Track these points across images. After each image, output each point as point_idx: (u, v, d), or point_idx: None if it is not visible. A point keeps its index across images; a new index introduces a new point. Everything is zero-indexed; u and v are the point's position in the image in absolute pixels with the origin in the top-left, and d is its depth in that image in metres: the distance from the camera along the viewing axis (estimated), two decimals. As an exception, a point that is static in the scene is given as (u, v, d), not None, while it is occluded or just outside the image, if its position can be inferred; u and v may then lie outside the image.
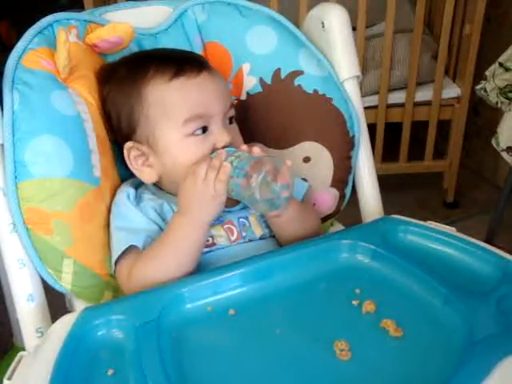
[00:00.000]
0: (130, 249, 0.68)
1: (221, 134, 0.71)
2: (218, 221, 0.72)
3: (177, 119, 0.70)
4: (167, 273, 0.65)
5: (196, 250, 0.67)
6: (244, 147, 0.70)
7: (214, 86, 0.73)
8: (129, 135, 0.74)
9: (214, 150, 0.70)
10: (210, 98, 0.71)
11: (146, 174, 0.74)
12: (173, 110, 0.70)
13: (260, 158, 0.65)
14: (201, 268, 0.68)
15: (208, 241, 0.71)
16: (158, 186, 0.76)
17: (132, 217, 0.70)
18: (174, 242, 0.66)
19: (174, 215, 0.69)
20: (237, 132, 0.76)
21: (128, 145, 0.74)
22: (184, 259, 0.66)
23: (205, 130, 0.71)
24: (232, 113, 0.75)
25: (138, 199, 0.74)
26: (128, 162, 0.74)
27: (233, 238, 0.73)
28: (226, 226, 0.73)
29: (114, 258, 0.68)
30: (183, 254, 0.66)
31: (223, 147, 0.70)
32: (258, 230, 0.75)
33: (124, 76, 0.74)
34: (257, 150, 0.69)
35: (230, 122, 0.75)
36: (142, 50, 0.83)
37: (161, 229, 0.70)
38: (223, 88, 0.75)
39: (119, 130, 0.75)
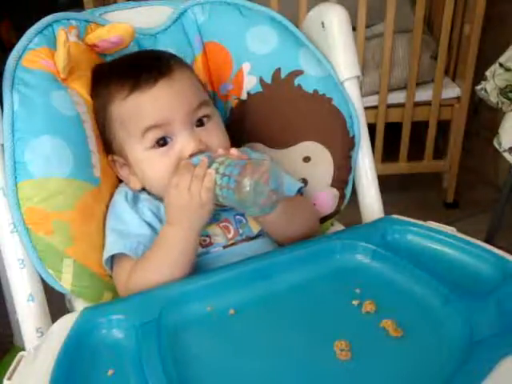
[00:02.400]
0: (123, 255, 0.68)
1: (185, 142, 0.70)
2: (214, 219, 0.72)
3: (135, 134, 0.70)
4: (163, 283, 0.64)
5: (189, 256, 0.66)
6: (221, 151, 0.68)
7: (172, 93, 0.70)
8: (109, 147, 0.75)
9: (180, 159, 0.69)
10: (166, 106, 0.70)
11: (132, 183, 0.75)
12: (130, 126, 0.71)
13: (246, 162, 0.63)
14: (198, 269, 0.68)
15: (205, 241, 0.71)
16: None
17: (127, 219, 0.70)
18: (167, 253, 0.66)
19: (163, 226, 0.69)
20: (214, 131, 0.74)
21: (109, 158, 0.76)
22: (178, 268, 0.65)
23: (167, 140, 0.70)
24: (203, 112, 0.73)
25: (136, 199, 0.74)
26: (116, 171, 0.76)
27: (230, 236, 0.72)
28: (222, 224, 0.73)
29: (103, 258, 0.69)
30: (176, 262, 0.66)
31: (191, 155, 0.69)
32: (256, 226, 0.74)
33: (98, 93, 0.75)
34: (234, 152, 0.68)
35: (202, 124, 0.73)
36: (142, 50, 0.83)
37: (156, 232, 0.70)
38: (186, 90, 0.72)
39: (102, 140, 0.76)
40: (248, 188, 0.59)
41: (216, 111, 0.77)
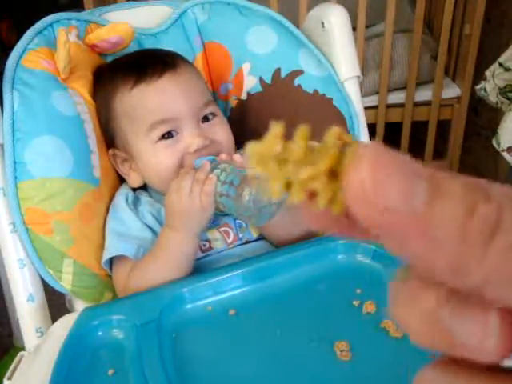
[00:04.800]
0: (122, 257, 0.68)
1: (191, 138, 0.70)
2: (214, 223, 0.71)
3: (141, 128, 0.70)
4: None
5: (188, 259, 0.66)
6: (223, 156, 0.68)
7: (178, 87, 0.71)
8: (111, 142, 0.75)
9: (186, 154, 0.70)
10: (173, 100, 0.70)
11: (132, 178, 0.75)
12: (136, 119, 0.71)
13: (247, 172, 0.62)
14: (198, 272, 0.68)
15: (204, 245, 0.71)
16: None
17: (128, 222, 0.70)
18: (166, 256, 0.66)
19: (162, 228, 0.69)
20: (219, 127, 0.74)
21: (110, 152, 0.75)
22: (177, 270, 0.65)
23: (172, 134, 0.70)
24: (210, 110, 0.73)
25: (137, 202, 0.74)
26: (116, 167, 0.76)
27: (229, 241, 0.72)
28: (221, 229, 0.72)
29: (103, 259, 0.69)
30: (176, 266, 0.65)
31: (196, 151, 0.69)
32: (256, 230, 0.74)
33: (101, 86, 0.75)
34: (238, 158, 0.67)
35: (207, 120, 0.73)
36: (145, 48, 0.83)
37: (156, 235, 0.70)
38: (192, 86, 0.73)
39: (104, 136, 0.76)
40: (247, 198, 0.59)
41: (221, 111, 0.78)
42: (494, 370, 0.14)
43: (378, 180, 0.13)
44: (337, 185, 0.14)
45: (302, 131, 0.16)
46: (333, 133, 0.15)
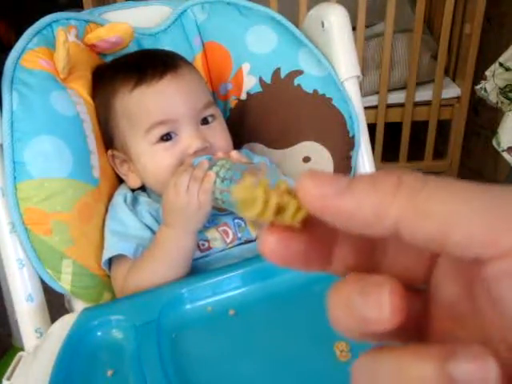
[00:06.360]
0: (121, 256, 0.68)
1: (190, 139, 0.69)
2: (213, 223, 0.71)
3: (140, 129, 0.70)
4: (160, 284, 0.64)
5: (186, 257, 0.66)
6: (220, 154, 0.68)
7: (178, 89, 0.70)
8: (110, 142, 0.75)
9: (184, 156, 0.69)
10: (172, 102, 0.70)
11: (131, 179, 0.75)
12: (136, 120, 0.70)
13: (247, 167, 0.62)
14: (197, 272, 0.68)
15: (204, 245, 0.71)
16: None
17: (127, 221, 0.70)
18: (163, 254, 0.66)
19: (160, 227, 0.68)
20: (218, 131, 0.74)
21: (109, 153, 0.75)
22: (173, 269, 0.65)
23: (171, 135, 0.70)
24: (209, 112, 0.73)
25: (135, 202, 0.74)
26: (115, 168, 0.76)
27: (228, 240, 0.72)
28: (220, 229, 0.72)
29: (102, 260, 0.69)
30: (174, 264, 0.65)
31: (194, 152, 0.69)
32: (255, 230, 0.74)
33: (100, 86, 0.75)
34: (234, 155, 0.67)
35: (207, 122, 0.73)
36: (146, 48, 0.83)
37: (155, 234, 0.70)
38: (193, 88, 0.72)
39: (103, 137, 0.76)
40: None
41: (220, 113, 0.77)
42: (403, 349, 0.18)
43: (315, 181, 0.20)
44: (296, 200, 0.21)
45: (262, 182, 0.22)
46: (282, 182, 0.22)
